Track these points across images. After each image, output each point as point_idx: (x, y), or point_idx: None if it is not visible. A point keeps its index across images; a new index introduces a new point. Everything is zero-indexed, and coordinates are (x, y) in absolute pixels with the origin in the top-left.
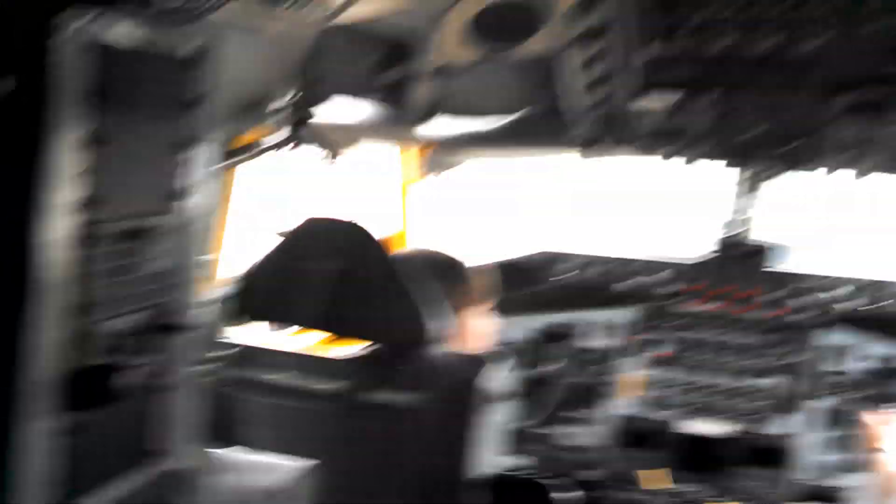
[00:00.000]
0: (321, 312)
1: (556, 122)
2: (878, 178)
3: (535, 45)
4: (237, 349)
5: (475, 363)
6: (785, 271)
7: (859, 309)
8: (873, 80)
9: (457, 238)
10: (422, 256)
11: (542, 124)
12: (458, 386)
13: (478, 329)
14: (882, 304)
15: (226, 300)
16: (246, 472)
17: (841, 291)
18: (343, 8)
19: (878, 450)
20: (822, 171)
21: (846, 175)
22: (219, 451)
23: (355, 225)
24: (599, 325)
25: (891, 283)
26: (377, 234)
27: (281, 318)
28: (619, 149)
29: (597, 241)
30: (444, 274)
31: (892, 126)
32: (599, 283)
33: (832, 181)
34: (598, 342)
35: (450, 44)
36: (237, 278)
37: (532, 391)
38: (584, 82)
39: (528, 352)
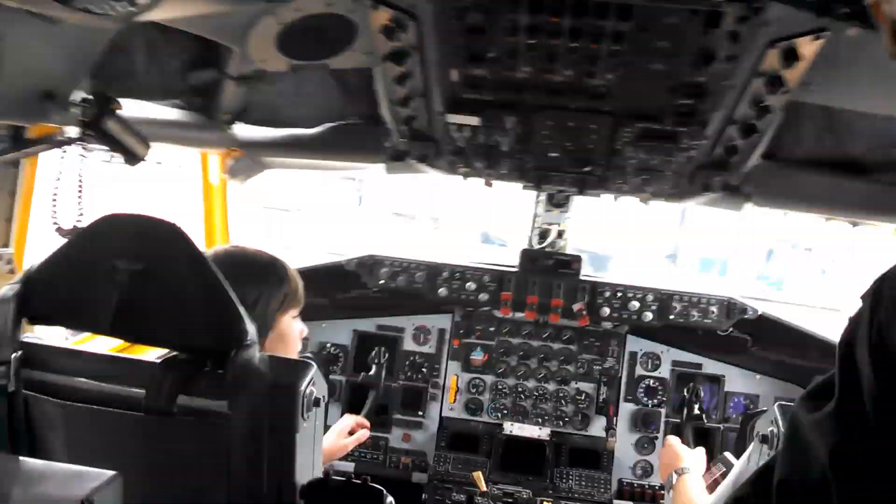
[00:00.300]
0: (117, 315)
1: (366, 135)
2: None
3: (348, 58)
4: (26, 350)
5: (293, 367)
6: (593, 281)
7: (663, 318)
8: (658, 114)
9: (273, 240)
10: (237, 256)
11: (351, 135)
12: (276, 391)
13: (295, 332)
14: (678, 314)
15: (10, 299)
16: (40, 482)
17: (646, 301)
18: (149, 6)
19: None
20: (611, 195)
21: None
22: (9, 458)
23: (161, 222)
24: (421, 330)
25: (686, 294)
26: (185, 232)
27: (69, 320)
28: (424, 165)
29: (419, 248)
30: (260, 275)
31: (675, 157)
32: (420, 288)
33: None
34: (420, 346)
35: (261, 50)
36: (22, 277)
37: (354, 395)
38: (394, 98)
39: (351, 356)
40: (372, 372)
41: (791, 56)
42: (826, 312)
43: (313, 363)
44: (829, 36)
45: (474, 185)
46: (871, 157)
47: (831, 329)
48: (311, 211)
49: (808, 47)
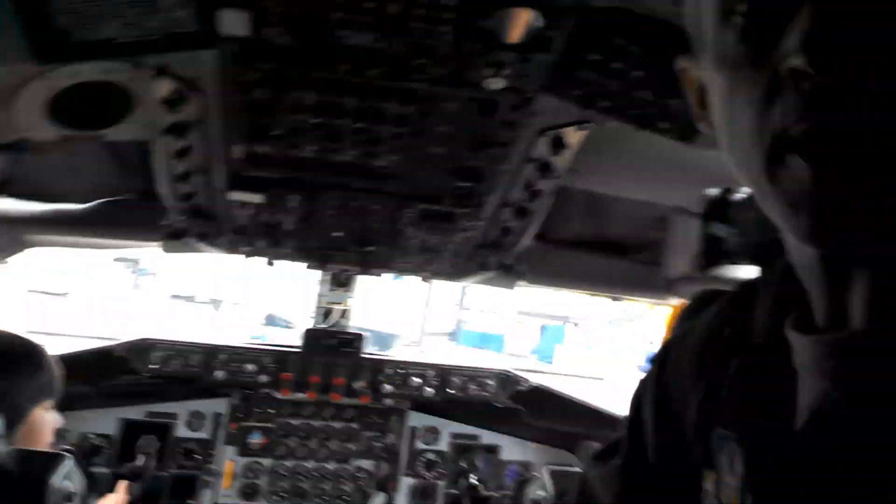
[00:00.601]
0: None
1: (142, 211)
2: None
3: (125, 130)
4: None
5: (44, 461)
6: (375, 359)
7: (442, 392)
8: (438, 195)
9: (35, 326)
10: None
11: (126, 212)
12: (24, 486)
13: (48, 425)
14: (457, 387)
15: None
16: None
17: (426, 377)
18: None
19: None
20: (394, 274)
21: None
22: None
23: None
24: (195, 415)
25: (464, 369)
26: None
27: None
28: (203, 244)
29: (199, 331)
30: (12, 363)
31: (454, 237)
32: (196, 372)
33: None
34: (194, 433)
35: (27, 118)
36: None
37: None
38: (173, 174)
39: (116, 446)
40: (139, 462)
41: (559, 144)
42: (591, 381)
43: (67, 455)
44: (592, 127)
45: (258, 264)
46: (630, 238)
47: (596, 396)
48: (81, 294)
49: (573, 136)
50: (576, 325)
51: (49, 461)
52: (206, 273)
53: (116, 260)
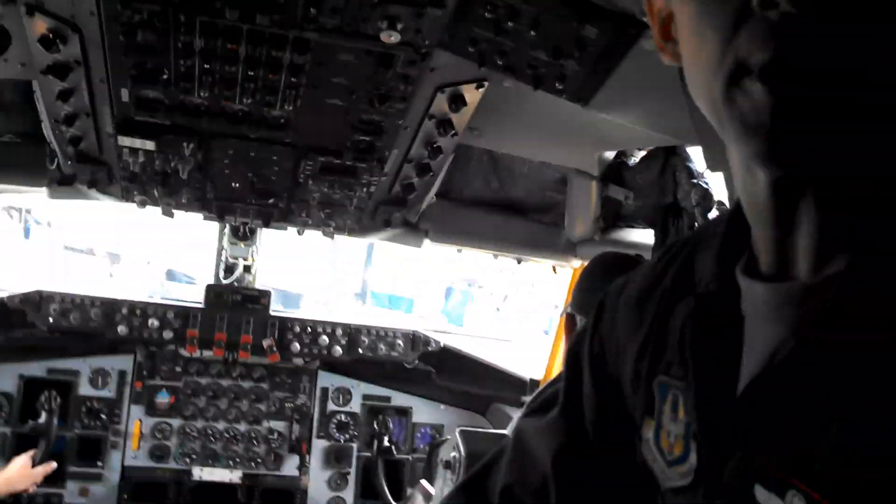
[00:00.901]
0: None
1: (27, 155)
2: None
3: (2, 69)
4: None
5: None
6: (282, 317)
7: (352, 352)
8: (338, 148)
9: None
10: None
11: (9, 155)
12: None
13: None
14: (367, 347)
15: None
16: None
17: (335, 336)
18: None
19: None
20: (296, 229)
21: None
22: None
23: None
24: (99, 372)
25: (373, 328)
26: None
27: None
28: (94, 191)
29: (87, 284)
30: None
31: (356, 192)
32: (96, 327)
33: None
34: (98, 391)
35: None
36: None
37: (21, 447)
38: (57, 116)
39: (17, 404)
40: (41, 420)
41: (457, 101)
42: (500, 343)
43: None
44: (490, 86)
45: (158, 217)
46: (531, 199)
47: (504, 358)
48: None
49: (471, 94)
50: (481, 287)
51: None
52: (103, 225)
53: (4, 209)
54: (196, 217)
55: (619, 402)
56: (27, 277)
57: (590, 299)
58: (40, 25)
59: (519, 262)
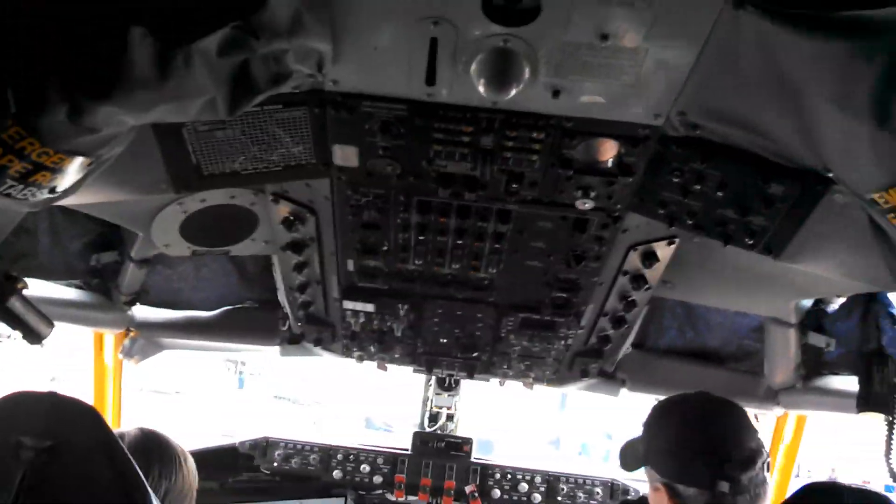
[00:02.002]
0: (18, 493)
1: (263, 318)
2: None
3: (248, 247)
4: None
5: None
6: (484, 463)
7: (551, 499)
8: (537, 305)
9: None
10: (150, 441)
11: (248, 319)
12: None
13: None
14: (565, 495)
15: None
16: None
17: (534, 483)
18: (66, 194)
19: None
20: (497, 380)
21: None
22: None
23: (74, 400)
24: None
25: (572, 476)
26: (98, 413)
27: None
28: (319, 349)
29: (293, 430)
30: (159, 455)
31: (554, 345)
32: (314, 471)
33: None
34: None
35: (165, 236)
36: None
37: None
38: (292, 285)
39: None
40: None
41: (650, 258)
42: None
43: None
44: (680, 242)
45: (358, 369)
46: (727, 348)
47: None
48: (190, 395)
49: (663, 251)
50: None
51: None
52: (307, 377)
53: (224, 361)
54: (403, 370)
55: None
56: (241, 425)
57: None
58: (283, 210)
59: None
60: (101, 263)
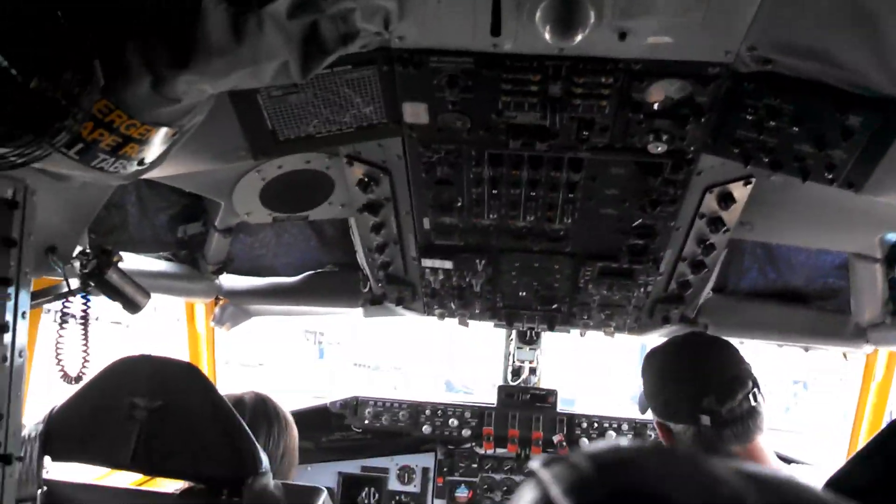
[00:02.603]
0: (136, 450)
1: (344, 281)
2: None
3: (326, 210)
4: (50, 487)
5: (307, 493)
6: (570, 413)
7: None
8: (614, 253)
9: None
10: (256, 399)
11: (330, 282)
12: None
13: (295, 465)
14: (651, 442)
15: (34, 438)
16: None
17: (622, 431)
18: (154, 165)
19: None
20: (578, 331)
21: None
22: None
23: (177, 362)
24: (405, 470)
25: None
26: (201, 371)
27: (90, 455)
28: (401, 308)
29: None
30: (277, 416)
31: (633, 292)
32: (404, 427)
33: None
34: (405, 486)
35: (246, 204)
36: (45, 416)
37: None
38: (370, 246)
39: (338, 498)
40: None
41: (726, 199)
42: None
43: (323, 489)
44: (756, 181)
45: (436, 331)
46: (811, 287)
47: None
48: (273, 366)
49: (740, 191)
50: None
51: (312, 493)
52: (387, 342)
53: (302, 333)
54: (478, 326)
55: None
56: (324, 391)
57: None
58: (357, 171)
59: (806, 350)
60: (188, 235)
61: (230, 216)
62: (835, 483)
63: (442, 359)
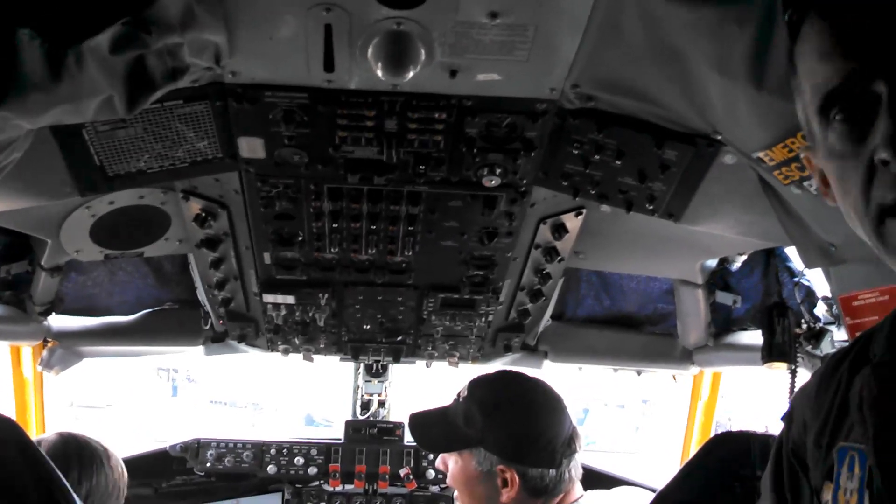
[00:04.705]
0: None
1: (184, 319)
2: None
3: (162, 247)
4: None
5: None
6: (415, 445)
7: None
8: (456, 284)
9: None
10: (69, 444)
11: (169, 320)
12: None
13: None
14: None
15: None
16: None
17: None
18: None
19: None
20: (423, 362)
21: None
22: None
23: None
24: None
25: None
26: (18, 426)
27: None
28: (243, 345)
29: (232, 433)
30: (78, 457)
31: (475, 322)
32: (248, 468)
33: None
34: None
35: (75, 242)
36: None
37: None
38: (210, 282)
39: None
40: None
41: (560, 230)
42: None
43: None
44: (587, 213)
45: (294, 367)
46: (642, 312)
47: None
48: (122, 406)
49: (572, 222)
50: (621, 407)
51: None
52: (243, 379)
53: (156, 370)
54: (332, 360)
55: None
56: (176, 432)
57: None
58: (194, 206)
59: (639, 373)
60: (12, 274)
61: (58, 254)
62: (660, 500)
63: (301, 392)
